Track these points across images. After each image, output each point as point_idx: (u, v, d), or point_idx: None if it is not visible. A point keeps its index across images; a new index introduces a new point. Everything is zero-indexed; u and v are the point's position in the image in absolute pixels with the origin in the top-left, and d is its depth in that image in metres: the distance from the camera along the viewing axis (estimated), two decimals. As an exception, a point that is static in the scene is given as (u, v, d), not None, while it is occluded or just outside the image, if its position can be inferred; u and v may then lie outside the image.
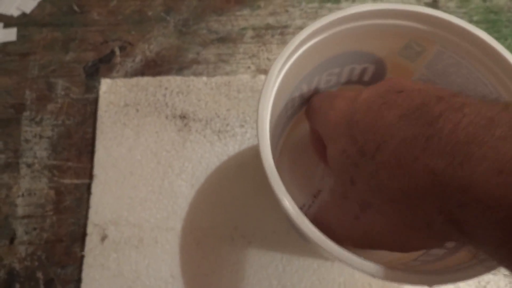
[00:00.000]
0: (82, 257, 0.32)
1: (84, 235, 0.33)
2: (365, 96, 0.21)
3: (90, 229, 0.32)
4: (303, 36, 0.24)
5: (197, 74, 0.39)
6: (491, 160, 0.14)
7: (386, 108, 0.19)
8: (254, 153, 0.35)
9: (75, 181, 0.36)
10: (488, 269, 0.19)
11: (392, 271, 0.18)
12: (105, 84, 0.37)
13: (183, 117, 0.36)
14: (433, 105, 0.17)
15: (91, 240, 0.32)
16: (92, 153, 0.36)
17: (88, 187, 0.35)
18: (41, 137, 0.37)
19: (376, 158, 0.18)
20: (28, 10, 0.41)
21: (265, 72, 0.40)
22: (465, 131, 0.15)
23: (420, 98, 0.18)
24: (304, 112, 0.28)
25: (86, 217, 0.33)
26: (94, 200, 0.33)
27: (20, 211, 0.34)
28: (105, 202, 0.33)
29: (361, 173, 0.19)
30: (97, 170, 0.34)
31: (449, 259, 0.21)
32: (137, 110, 0.36)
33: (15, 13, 0.41)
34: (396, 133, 0.18)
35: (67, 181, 0.35)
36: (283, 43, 0.41)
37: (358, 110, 0.20)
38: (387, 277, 0.18)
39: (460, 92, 0.18)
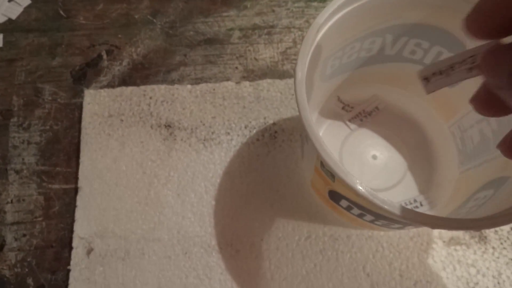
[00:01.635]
0: (69, 271, 0.32)
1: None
2: None
3: (75, 242, 0.32)
4: None
5: (184, 76, 0.39)
6: None
7: None
8: (240, 160, 0.35)
9: (64, 186, 0.36)
10: None
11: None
12: (88, 95, 0.37)
13: (168, 126, 0.36)
14: None
15: (77, 254, 0.32)
16: (80, 157, 0.36)
17: (77, 191, 0.35)
18: (29, 143, 0.37)
19: None
20: (14, 16, 0.41)
21: (252, 72, 0.40)
22: None
23: None
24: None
25: (72, 230, 0.33)
26: (79, 212, 0.33)
27: (9, 217, 0.35)
28: (90, 215, 0.33)
29: None
30: (82, 182, 0.34)
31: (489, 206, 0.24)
32: (122, 120, 0.36)
33: (1, 19, 0.41)
34: None
35: (56, 186, 0.36)
36: (270, 43, 0.41)
37: None
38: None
39: None
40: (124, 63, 0.40)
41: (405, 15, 0.28)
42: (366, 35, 0.29)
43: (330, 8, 0.25)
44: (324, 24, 0.26)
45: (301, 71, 0.24)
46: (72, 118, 0.38)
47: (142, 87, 0.38)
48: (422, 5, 0.28)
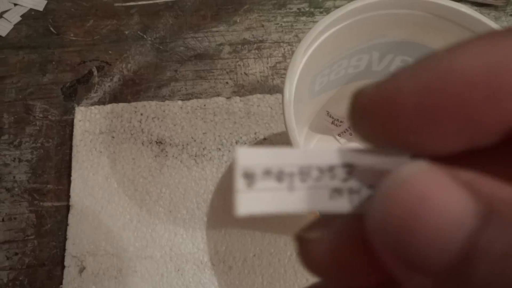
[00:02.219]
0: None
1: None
2: None
3: (68, 261, 0.32)
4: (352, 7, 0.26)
5: (175, 91, 0.40)
6: None
7: None
8: (232, 176, 0.35)
9: (56, 203, 0.36)
10: None
11: None
12: (79, 112, 0.37)
13: (159, 142, 0.36)
14: None
15: (69, 273, 0.32)
16: (71, 175, 0.36)
17: (69, 209, 0.35)
18: (20, 160, 0.37)
19: None
20: (3, 33, 0.41)
21: (243, 87, 0.40)
22: None
23: None
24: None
25: (64, 249, 0.33)
26: (71, 231, 0.33)
27: (0, 236, 0.34)
28: (82, 233, 0.33)
29: None
30: (73, 200, 0.34)
31: None
32: (113, 137, 0.36)
33: (-9, 36, 0.41)
34: None
35: (47, 204, 0.36)
36: (260, 57, 0.41)
37: None
38: None
39: None
40: (115, 79, 0.40)
41: (390, 33, 0.29)
42: (353, 52, 0.30)
43: (317, 28, 0.26)
44: (312, 44, 0.26)
45: (289, 92, 0.24)
46: (63, 135, 0.38)
47: (133, 104, 0.38)
48: (406, 24, 0.28)
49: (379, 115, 0.08)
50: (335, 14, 0.26)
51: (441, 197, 0.07)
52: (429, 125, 0.08)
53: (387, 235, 0.07)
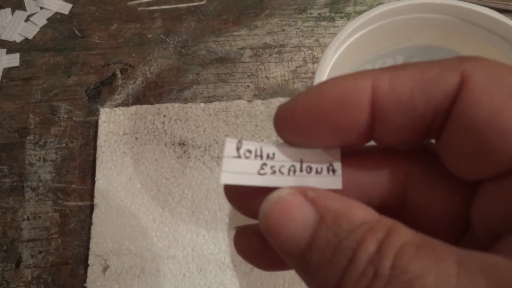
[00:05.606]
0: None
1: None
2: None
3: (91, 259, 0.33)
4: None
5: (197, 94, 0.40)
6: None
7: None
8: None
9: (79, 203, 0.36)
10: None
11: None
12: (104, 114, 0.38)
13: (182, 144, 0.36)
14: None
15: (93, 271, 0.32)
16: (95, 175, 0.36)
17: (92, 209, 0.35)
18: (45, 160, 0.38)
19: None
20: (30, 36, 0.42)
21: (264, 90, 0.40)
22: None
23: None
24: None
25: (87, 247, 0.34)
26: (95, 230, 0.33)
27: (25, 234, 0.35)
28: (106, 232, 0.33)
29: None
30: (97, 200, 0.35)
31: None
32: (136, 139, 0.36)
33: (18, 39, 0.42)
34: None
35: (71, 203, 0.36)
36: (281, 61, 0.42)
37: None
38: None
39: None
40: (138, 81, 0.41)
41: (415, 38, 0.29)
42: (378, 56, 0.30)
43: (345, 31, 0.26)
44: (339, 47, 0.26)
45: None
46: (87, 136, 0.38)
47: (156, 106, 0.38)
48: (431, 28, 0.28)
49: (286, 123, 0.13)
50: (362, 18, 0.27)
51: (295, 211, 0.12)
52: (311, 128, 0.13)
53: (269, 234, 0.12)
